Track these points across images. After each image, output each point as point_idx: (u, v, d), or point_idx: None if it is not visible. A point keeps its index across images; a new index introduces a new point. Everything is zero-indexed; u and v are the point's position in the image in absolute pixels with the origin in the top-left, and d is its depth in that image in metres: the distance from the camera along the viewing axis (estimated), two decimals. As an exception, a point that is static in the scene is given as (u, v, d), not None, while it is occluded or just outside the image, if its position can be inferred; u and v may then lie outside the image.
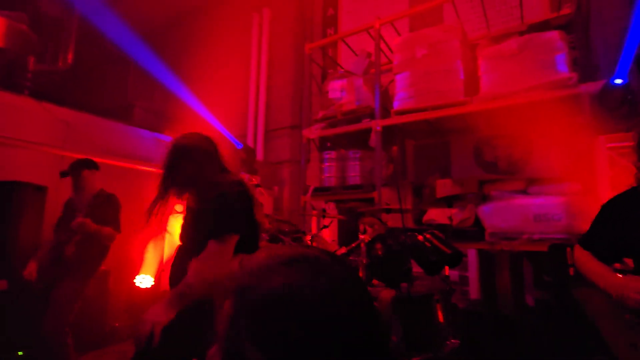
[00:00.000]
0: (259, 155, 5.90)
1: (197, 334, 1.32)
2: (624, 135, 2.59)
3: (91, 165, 2.74)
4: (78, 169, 2.67)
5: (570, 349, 1.70)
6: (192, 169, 1.46)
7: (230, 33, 6.73)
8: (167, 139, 5.07)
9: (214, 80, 6.50)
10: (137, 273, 4.21)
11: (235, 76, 6.44)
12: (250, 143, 6.00)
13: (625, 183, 1.25)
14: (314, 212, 4.35)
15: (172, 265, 1.56)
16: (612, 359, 1.02)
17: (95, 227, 2.49)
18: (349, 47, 5.12)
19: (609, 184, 2.55)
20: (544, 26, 3.82)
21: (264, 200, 4.56)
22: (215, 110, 5.99)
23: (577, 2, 3.69)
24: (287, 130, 5.97)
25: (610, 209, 1.29)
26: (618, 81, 2.74)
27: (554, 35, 3.35)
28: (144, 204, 1.49)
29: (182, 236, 1.56)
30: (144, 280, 4.16)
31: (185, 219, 1.57)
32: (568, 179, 2.93)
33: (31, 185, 3.16)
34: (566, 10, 3.81)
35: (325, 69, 5.57)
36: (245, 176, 4.42)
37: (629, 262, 1.17)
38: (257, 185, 4.22)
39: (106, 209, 2.63)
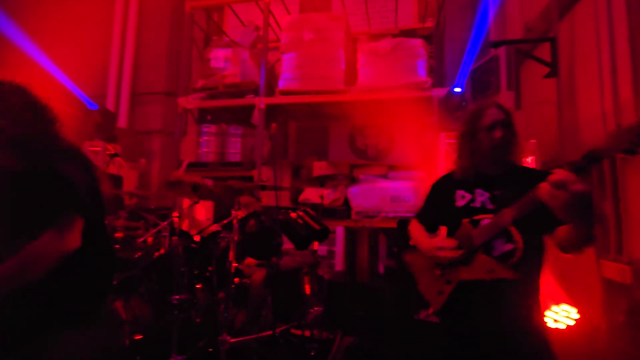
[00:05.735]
0: (122, 122, 5.06)
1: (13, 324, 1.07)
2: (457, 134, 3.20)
3: None
4: None
5: (406, 304, 2.11)
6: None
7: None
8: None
9: (61, 24, 5.19)
10: None
11: (94, 24, 5.29)
12: (111, 106, 5.08)
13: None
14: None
15: None
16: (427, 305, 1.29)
17: None
18: (236, 15, 4.81)
19: (445, 172, 3.14)
20: (412, 33, 4.39)
21: (126, 174, 3.94)
22: (61, 61, 4.82)
23: (437, 18, 4.35)
24: (160, 97, 5.28)
25: (435, 187, 1.55)
26: (457, 89, 3.36)
27: (418, 43, 3.88)
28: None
29: None
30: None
31: None
32: (417, 167, 3.49)
33: None
34: (429, 23, 4.46)
35: (209, 34, 5.11)
36: (100, 143, 3.71)
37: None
38: (115, 155, 3.61)
39: None
